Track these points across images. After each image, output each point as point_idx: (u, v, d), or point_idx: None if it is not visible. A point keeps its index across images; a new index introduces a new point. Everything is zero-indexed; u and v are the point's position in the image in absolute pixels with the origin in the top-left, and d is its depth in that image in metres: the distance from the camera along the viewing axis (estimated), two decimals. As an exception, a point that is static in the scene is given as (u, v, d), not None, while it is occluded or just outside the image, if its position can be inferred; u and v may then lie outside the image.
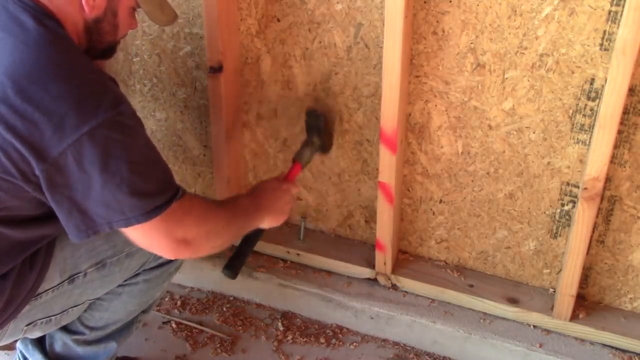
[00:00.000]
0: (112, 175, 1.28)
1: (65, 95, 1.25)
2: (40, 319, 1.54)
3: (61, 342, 1.73)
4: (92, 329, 1.71)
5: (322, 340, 2.03)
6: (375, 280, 2.04)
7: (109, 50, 1.51)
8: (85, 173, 1.27)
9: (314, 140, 1.87)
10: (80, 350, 1.73)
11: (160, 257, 1.66)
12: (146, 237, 1.38)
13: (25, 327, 1.53)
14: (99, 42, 1.44)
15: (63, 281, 1.51)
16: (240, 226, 1.59)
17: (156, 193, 1.34)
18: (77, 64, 1.31)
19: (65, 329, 1.70)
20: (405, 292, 2.02)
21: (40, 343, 1.76)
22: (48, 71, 1.26)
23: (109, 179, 1.28)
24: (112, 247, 1.56)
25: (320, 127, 1.86)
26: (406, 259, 2.05)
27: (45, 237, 1.45)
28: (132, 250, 1.59)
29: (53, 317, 1.56)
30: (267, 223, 1.67)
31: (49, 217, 1.39)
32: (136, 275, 1.66)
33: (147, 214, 1.33)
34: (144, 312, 1.78)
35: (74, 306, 1.59)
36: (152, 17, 1.49)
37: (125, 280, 1.65)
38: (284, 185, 1.72)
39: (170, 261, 1.70)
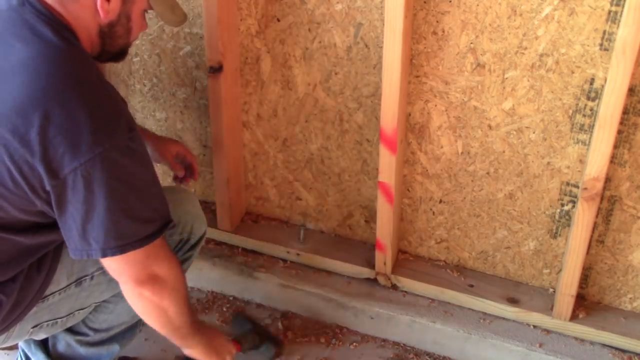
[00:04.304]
0: (117, 199, 1.30)
1: (83, 114, 1.26)
2: (46, 321, 1.54)
3: (64, 343, 1.73)
4: (96, 330, 1.71)
5: (322, 340, 2.03)
6: (375, 280, 2.04)
7: (121, 54, 1.52)
8: (92, 194, 1.28)
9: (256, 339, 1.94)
10: (83, 351, 1.74)
11: None
12: (123, 263, 1.38)
13: (31, 329, 1.53)
14: (112, 46, 1.45)
15: (70, 284, 1.52)
16: (189, 320, 1.56)
17: (152, 220, 1.37)
18: (94, 82, 1.32)
19: (69, 329, 1.71)
20: (405, 292, 2.02)
21: (43, 343, 1.76)
22: (67, 88, 1.26)
23: (114, 203, 1.30)
24: None
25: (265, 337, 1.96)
26: (406, 259, 2.05)
27: (54, 242, 1.46)
28: None
29: (59, 320, 1.57)
30: (197, 350, 1.63)
31: (57, 224, 1.40)
32: None
33: (142, 241, 1.35)
34: None
35: (80, 309, 1.59)
36: (164, 18, 1.51)
37: None
38: (231, 344, 1.76)
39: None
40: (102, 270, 1.55)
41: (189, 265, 1.75)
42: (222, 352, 1.70)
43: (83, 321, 1.70)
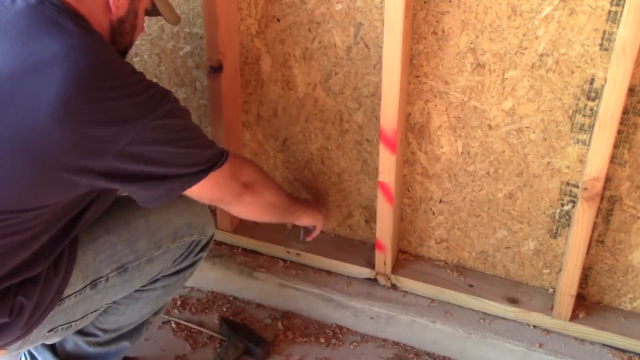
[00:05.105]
0: (179, 152, 1.41)
1: (122, 95, 1.32)
2: (61, 325, 1.55)
3: (72, 343, 1.74)
4: (105, 331, 1.73)
5: (322, 340, 2.03)
6: (375, 280, 2.04)
7: (124, 53, 1.54)
8: (150, 161, 1.37)
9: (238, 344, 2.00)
10: (91, 350, 1.75)
11: (178, 263, 1.69)
12: (217, 186, 1.51)
13: (47, 334, 1.54)
14: (118, 44, 1.48)
15: (85, 286, 1.53)
16: (291, 198, 1.81)
17: (215, 152, 1.49)
18: (122, 64, 1.38)
19: (79, 331, 1.71)
20: (405, 292, 2.02)
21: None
22: (102, 75, 1.31)
23: (178, 154, 1.40)
24: (133, 252, 1.58)
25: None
26: (406, 258, 2.05)
27: (78, 225, 1.50)
28: (153, 256, 1.61)
29: (73, 323, 1.58)
30: (305, 218, 1.87)
31: (86, 207, 1.47)
32: (155, 281, 1.68)
33: (212, 167, 1.46)
34: (155, 314, 1.79)
35: (94, 311, 1.61)
36: (165, 15, 1.58)
37: (144, 286, 1.67)
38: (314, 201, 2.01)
39: (187, 267, 1.73)
40: (117, 272, 1.57)
41: (197, 267, 1.76)
42: (320, 206, 1.94)
43: (92, 323, 1.70)
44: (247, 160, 1.69)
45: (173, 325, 2.07)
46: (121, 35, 1.47)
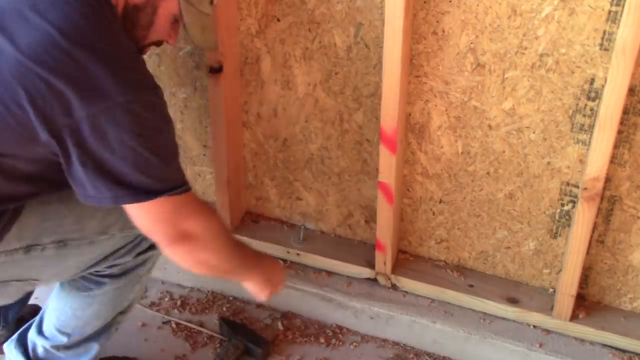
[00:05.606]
0: (134, 152, 1.28)
1: (110, 63, 1.25)
2: None
3: (43, 349, 1.73)
4: (68, 335, 1.70)
5: (322, 340, 2.03)
6: (375, 280, 2.04)
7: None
8: (109, 143, 1.26)
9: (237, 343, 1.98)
10: (61, 354, 1.73)
11: (121, 256, 1.61)
12: (152, 217, 1.36)
13: None
14: (130, 33, 1.41)
15: (19, 248, 1.45)
16: (238, 263, 1.58)
17: (173, 179, 1.35)
18: (126, 43, 1.33)
19: (44, 336, 1.70)
20: (405, 292, 2.02)
21: (24, 347, 1.76)
22: (100, 39, 1.27)
23: (135, 153, 1.28)
24: (79, 230, 1.50)
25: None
26: (406, 259, 2.05)
27: (28, 196, 1.42)
28: (97, 240, 1.54)
29: None
30: (252, 283, 1.67)
31: (41, 178, 1.38)
32: (102, 284, 1.63)
33: (159, 193, 1.32)
34: (121, 313, 1.73)
35: (17, 280, 1.51)
36: (190, 30, 1.47)
37: (92, 290, 1.62)
38: (285, 271, 1.77)
39: (135, 266, 1.65)
40: (56, 245, 1.49)
41: (150, 267, 1.70)
42: (275, 282, 1.70)
43: (56, 328, 1.69)
44: (205, 211, 1.45)
45: (173, 325, 2.07)
46: (134, 25, 1.40)
